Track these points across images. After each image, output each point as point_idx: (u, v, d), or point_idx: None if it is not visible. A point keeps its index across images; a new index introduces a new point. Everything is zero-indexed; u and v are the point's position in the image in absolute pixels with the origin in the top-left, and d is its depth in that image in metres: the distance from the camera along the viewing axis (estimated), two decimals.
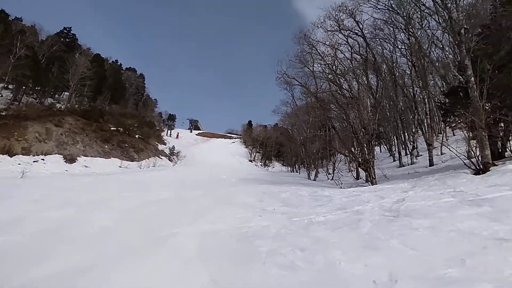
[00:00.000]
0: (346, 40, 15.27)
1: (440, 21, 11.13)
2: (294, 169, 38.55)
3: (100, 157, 21.69)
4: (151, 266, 3.29)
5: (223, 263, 3.42)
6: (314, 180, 21.83)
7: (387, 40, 19.63)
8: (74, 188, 9.27)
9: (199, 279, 2.95)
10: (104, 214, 5.77)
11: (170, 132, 48.83)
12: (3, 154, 17.06)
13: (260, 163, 46.23)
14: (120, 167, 20.21)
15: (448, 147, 11.64)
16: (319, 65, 16.09)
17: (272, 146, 49.83)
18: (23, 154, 17.96)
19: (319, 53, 15.39)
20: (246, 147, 51.59)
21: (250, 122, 62.82)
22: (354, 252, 3.40)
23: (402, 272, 2.67)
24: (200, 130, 65.34)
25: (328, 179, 20.68)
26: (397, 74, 21.03)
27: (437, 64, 19.55)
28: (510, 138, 9.48)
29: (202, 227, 5.03)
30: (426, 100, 19.39)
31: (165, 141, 35.90)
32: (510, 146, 9.33)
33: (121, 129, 27.22)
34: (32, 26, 34.45)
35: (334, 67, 15.01)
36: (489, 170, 7.34)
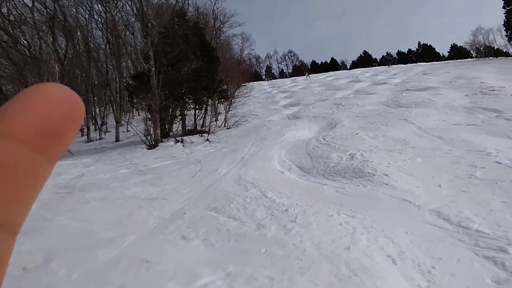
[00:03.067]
0: None
1: (134, 9, 11.96)
2: None
3: None
4: None
5: None
6: None
7: (83, 6, 17.91)
8: None
9: None
10: None
11: None
12: None
13: None
14: None
15: (131, 125, 13.04)
16: None
17: None
18: None
19: None
20: None
21: None
22: None
23: (62, 248, 2.64)
24: None
25: None
26: (92, 46, 19.98)
27: (129, 48, 20.86)
28: (174, 121, 12.44)
29: None
30: (118, 79, 20.20)
31: None
32: (172, 128, 12.27)
33: None
34: None
35: (5, 10, 11.23)
36: (158, 146, 9.20)
